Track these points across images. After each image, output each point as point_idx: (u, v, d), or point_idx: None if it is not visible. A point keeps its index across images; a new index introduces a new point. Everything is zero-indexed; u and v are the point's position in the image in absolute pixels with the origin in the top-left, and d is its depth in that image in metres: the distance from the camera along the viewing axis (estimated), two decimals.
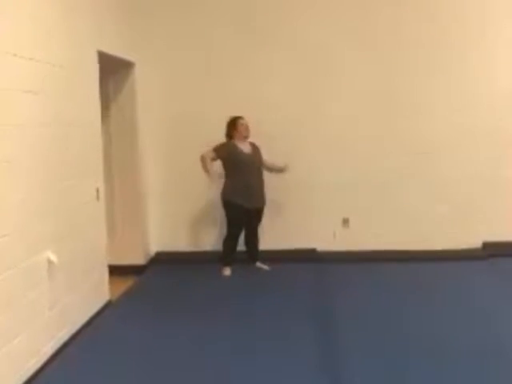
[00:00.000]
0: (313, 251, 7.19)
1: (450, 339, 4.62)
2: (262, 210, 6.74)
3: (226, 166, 6.52)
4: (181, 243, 7.27)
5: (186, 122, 7.13)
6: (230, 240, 6.65)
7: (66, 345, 4.67)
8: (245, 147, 6.53)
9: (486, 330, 4.81)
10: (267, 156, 6.69)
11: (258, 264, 6.79)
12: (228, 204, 6.52)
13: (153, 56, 6.97)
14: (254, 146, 6.63)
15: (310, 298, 5.77)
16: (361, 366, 4.23)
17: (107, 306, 5.66)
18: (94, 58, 5.43)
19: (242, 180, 6.42)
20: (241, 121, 6.54)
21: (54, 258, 4.42)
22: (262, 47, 7.07)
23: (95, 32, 5.42)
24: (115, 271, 6.11)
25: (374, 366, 4.22)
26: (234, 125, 6.54)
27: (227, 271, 6.63)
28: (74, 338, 4.83)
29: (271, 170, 6.75)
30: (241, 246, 6.78)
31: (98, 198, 5.45)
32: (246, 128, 6.54)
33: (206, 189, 6.84)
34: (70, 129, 4.87)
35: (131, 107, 6.66)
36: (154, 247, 7.28)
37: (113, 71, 6.46)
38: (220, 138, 6.55)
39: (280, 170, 6.75)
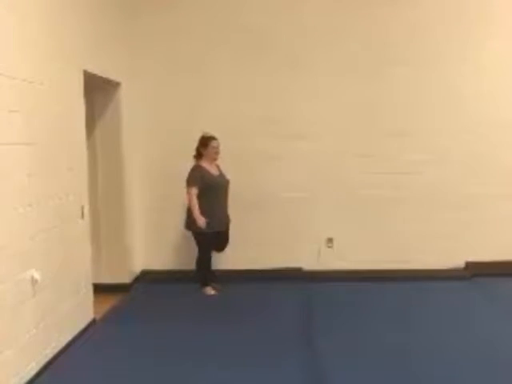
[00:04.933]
0: (299, 270, 7.22)
1: (437, 358, 4.65)
2: (229, 228, 6.73)
3: (199, 191, 6.35)
4: (166, 262, 7.26)
5: (172, 142, 7.14)
6: (204, 261, 6.57)
7: (49, 363, 4.65)
8: (213, 169, 6.51)
9: (471, 348, 4.87)
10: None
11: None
12: (200, 234, 6.43)
13: (139, 76, 7.01)
14: (219, 168, 6.62)
15: (295, 317, 5.79)
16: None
17: (91, 324, 5.64)
18: (80, 77, 5.46)
19: (212, 205, 6.35)
20: (213, 143, 6.43)
21: (38, 276, 4.42)
22: (247, 65, 7.13)
23: (81, 51, 5.46)
24: (100, 289, 6.12)
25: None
26: (205, 145, 6.44)
27: (211, 290, 6.62)
28: (58, 356, 4.81)
29: None
30: (220, 265, 6.82)
31: (82, 216, 5.46)
32: (217, 152, 6.48)
33: None
34: (55, 147, 4.88)
35: (116, 126, 6.67)
36: (140, 266, 7.27)
37: (98, 90, 6.49)
38: None
39: None
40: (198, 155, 6.49)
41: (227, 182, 6.59)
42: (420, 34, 7.08)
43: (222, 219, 6.55)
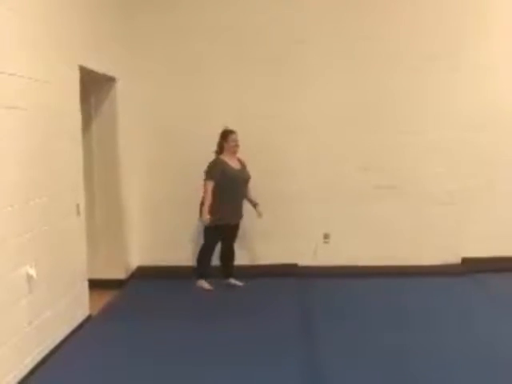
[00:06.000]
0: (294, 266, 7.21)
1: (434, 356, 4.64)
2: (239, 223, 6.77)
3: (216, 184, 6.43)
4: (162, 257, 7.22)
5: (168, 137, 7.15)
6: (206, 250, 6.62)
7: (45, 360, 4.64)
8: (233, 163, 6.55)
9: (468, 346, 4.87)
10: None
11: (232, 280, 6.76)
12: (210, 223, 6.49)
13: (136, 72, 6.99)
14: (241, 162, 6.65)
15: (290, 312, 5.80)
16: (341, 380, 4.26)
17: (87, 320, 5.63)
18: (76, 73, 5.44)
19: (228, 198, 6.42)
20: (232, 136, 6.52)
21: (33, 272, 4.40)
22: (244, 62, 7.13)
23: (77, 47, 5.43)
24: (95, 285, 6.09)
25: (355, 382, 4.24)
26: (225, 138, 6.53)
27: (206, 284, 6.61)
28: (53, 352, 4.79)
29: (248, 198, 6.75)
30: (216, 261, 6.81)
31: (78, 212, 5.45)
32: (237, 145, 6.54)
33: (187, 204, 6.82)
34: (51, 143, 4.87)
35: (112, 122, 6.66)
36: (136, 261, 7.26)
37: (95, 85, 6.48)
38: (203, 154, 6.56)
39: (252, 204, 6.74)
40: (220, 149, 6.56)
41: (247, 176, 6.63)
42: (420, 30, 7.08)
43: (236, 213, 6.58)
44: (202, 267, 6.67)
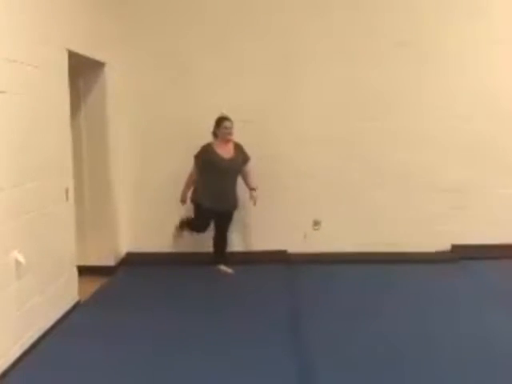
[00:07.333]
0: (283, 253, 7.20)
1: (424, 341, 4.68)
2: (232, 212, 6.77)
3: (202, 167, 6.48)
4: (152, 244, 7.19)
5: (159, 123, 7.10)
6: (195, 230, 6.79)
7: (33, 346, 4.61)
8: (224, 151, 6.49)
9: (456, 330, 4.90)
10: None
11: (222, 267, 6.77)
12: (197, 205, 6.56)
13: (124, 56, 6.92)
14: (237, 149, 6.59)
15: (279, 300, 5.79)
16: (330, 369, 4.25)
17: (76, 306, 5.61)
18: (64, 57, 5.37)
19: (214, 184, 6.42)
20: (226, 123, 6.47)
21: (21, 258, 4.37)
22: (233, 46, 7.06)
23: (65, 30, 5.36)
24: (84, 272, 6.09)
25: (344, 371, 4.22)
26: (218, 125, 6.51)
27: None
28: (42, 339, 4.77)
29: (244, 180, 6.73)
30: (207, 248, 6.85)
31: (67, 198, 5.40)
32: (229, 133, 6.49)
33: (177, 190, 6.78)
34: (40, 128, 4.82)
35: (101, 107, 6.59)
36: (125, 248, 7.23)
37: (83, 70, 6.41)
38: (193, 141, 6.56)
39: (249, 188, 6.70)
40: (214, 135, 6.55)
41: (238, 165, 6.58)
42: (418, 17, 7.04)
43: (220, 201, 6.50)
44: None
